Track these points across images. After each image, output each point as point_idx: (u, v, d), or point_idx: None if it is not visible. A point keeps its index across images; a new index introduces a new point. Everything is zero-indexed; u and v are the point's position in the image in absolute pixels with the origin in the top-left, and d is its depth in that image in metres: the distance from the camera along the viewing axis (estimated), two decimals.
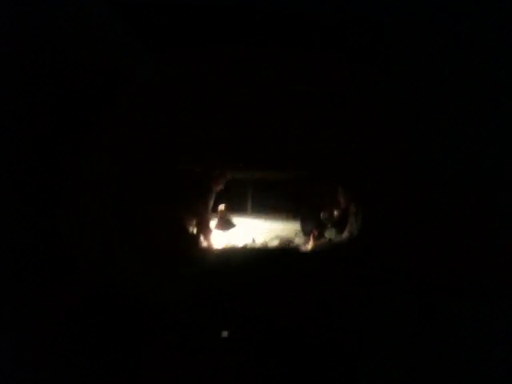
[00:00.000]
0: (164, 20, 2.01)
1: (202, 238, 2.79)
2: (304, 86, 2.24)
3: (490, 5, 1.89)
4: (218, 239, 2.96)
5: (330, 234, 2.84)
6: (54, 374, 1.84)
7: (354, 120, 2.21)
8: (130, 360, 1.98)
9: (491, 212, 2.07)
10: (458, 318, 2.00)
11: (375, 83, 2.10)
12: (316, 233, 2.88)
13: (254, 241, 2.99)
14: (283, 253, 2.74)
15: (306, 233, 2.96)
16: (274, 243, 2.93)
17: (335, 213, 2.91)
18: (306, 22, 2.02)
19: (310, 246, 2.78)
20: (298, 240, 2.94)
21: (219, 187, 2.87)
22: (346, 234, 2.71)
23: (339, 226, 2.83)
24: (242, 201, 3.34)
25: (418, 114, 2.09)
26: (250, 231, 3.14)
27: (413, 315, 2.04)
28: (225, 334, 2.12)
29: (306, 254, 2.67)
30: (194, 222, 2.79)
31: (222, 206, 3.16)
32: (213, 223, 3.06)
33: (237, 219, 3.24)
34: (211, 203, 2.88)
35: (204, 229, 2.79)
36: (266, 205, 3.30)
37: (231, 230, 3.14)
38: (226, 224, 3.16)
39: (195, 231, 2.78)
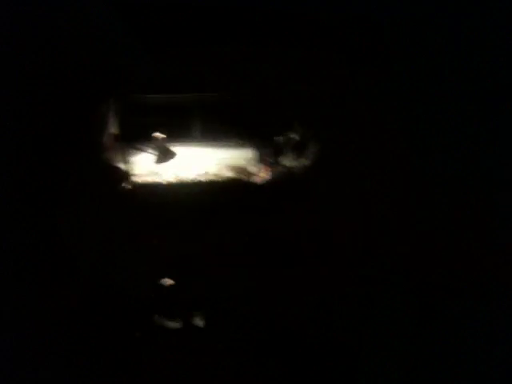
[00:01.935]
0: (164, 20, 2.01)
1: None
2: (304, 85, 2.24)
3: (490, 5, 1.89)
4: (157, 172, 2.63)
5: (287, 160, 2.56)
6: (54, 374, 1.84)
7: (354, 120, 2.21)
8: (129, 360, 1.98)
9: (491, 212, 2.07)
10: (458, 318, 2.00)
11: (375, 83, 2.10)
12: (271, 160, 2.58)
13: (204, 172, 2.61)
14: (231, 185, 2.49)
15: (260, 160, 2.64)
16: (225, 173, 2.61)
17: (293, 136, 2.60)
18: (306, 22, 2.02)
19: (264, 175, 2.54)
20: (252, 169, 2.62)
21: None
22: (304, 161, 2.49)
23: (298, 151, 2.55)
24: (186, 127, 2.87)
25: (418, 114, 2.09)
26: (196, 161, 2.75)
27: (413, 315, 2.04)
28: (165, 282, 2.09)
29: (257, 186, 2.46)
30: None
31: (156, 134, 2.72)
32: (149, 154, 2.70)
33: (180, 148, 2.81)
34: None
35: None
36: (215, 130, 2.85)
37: (171, 161, 2.74)
38: (163, 154, 2.74)
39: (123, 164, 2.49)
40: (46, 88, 1.89)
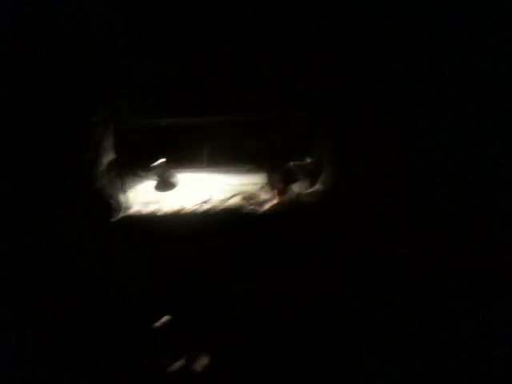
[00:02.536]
0: (164, 20, 2.01)
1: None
2: (304, 85, 2.24)
3: (490, 5, 1.89)
4: (159, 201, 2.47)
5: (300, 187, 2.44)
6: (54, 374, 1.84)
7: (354, 120, 2.21)
8: (129, 360, 1.98)
9: (491, 212, 2.07)
10: (458, 318, 2.00)
11: (375, 83, 2.10)
12: (282, 186, 2.43)
13: (209, 199, 2.47)
14: (239, 213, 2.35)
15: (273, 186, 2.52)
16: (235, 201, 2.46)
17: (308, 161, 2.50)
18: (306, 22, 2.02)
19: (274, 202, 2.40)
20: (264, 196, 2.48)
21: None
22: (318, 187, 2.36)
23: (313, 176, 2.43)
24: (194, 152, 2.74)
25: (418, 114, 2.09)
26: (205, 188, 2.61)
27: (413, 315, 2.04)
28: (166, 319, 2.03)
29: (260, 218, 2.29)
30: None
31: (159, 161, 2.59)
32: (151, 183, 2.57)
33: (188, 175, 2.70)
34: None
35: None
36: (225, 155, 2.74)
37: (175, 189, 2.60)
38: (165, 183, 2.59)
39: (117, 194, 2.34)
40: (46, 88, 1.89)
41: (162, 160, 2.57)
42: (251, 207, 2.38)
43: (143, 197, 2.52)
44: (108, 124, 2.25)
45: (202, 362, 2.00)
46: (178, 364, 1.99)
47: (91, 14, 1.91)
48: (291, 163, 2.51)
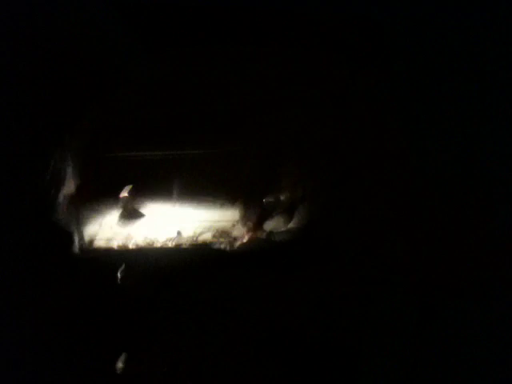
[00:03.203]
0: (164, 20, 2.01)
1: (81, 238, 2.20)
2: (304, 86, 2.24)
3: (490, 5, 1.89)
4: (126, 235, 2.32)
5: (273, 224, 2.31)
6: (54, 374, 1.84)
7: (354, 120, 2.21)
8: (129, 360, 1.98)
9: (491, 212, 2.07)
10: (458, 318, 2.00)
11: (375, 83, 2.10)
12: (252, 224, 2.35)
13: (179, 234, 2.35)
14: (210, 250, 2.20)
15: (246, 222, 2.42)
16: (206, 237, 2.34)
17: (282, 198, 2.39)
18: (306, 22, 2.02)
19: (246, 239, 2.29)
20: (237, 232, 2.37)
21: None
22: (292, 225, 2.26)
23: (288, 213, 2.32)
24: (166, 185, 2.59)
25: (418, 114, 2.09)
26: (176, 222, 2.46)
27: (413, 315, 2.04)
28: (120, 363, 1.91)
29: (225, 258, 2.13)
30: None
31: (124, 192, 2.45)
32: (115, 214, 2.43)
33: (160, 207, 2.54)
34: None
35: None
36: (198, 189, 2.59)
37: (142, 223, 2.45)
38: (130, 215, 2.45)
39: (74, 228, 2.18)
40: (46, 88, 1.88)
41: (126, 190, 2.45)
42: (222, 244, 2.26)
43: (107, 231, 2.39)
44: (66, 154, 2.10)
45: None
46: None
47: (91, 14, 1.91)
48: (266, 199, 2.42)
